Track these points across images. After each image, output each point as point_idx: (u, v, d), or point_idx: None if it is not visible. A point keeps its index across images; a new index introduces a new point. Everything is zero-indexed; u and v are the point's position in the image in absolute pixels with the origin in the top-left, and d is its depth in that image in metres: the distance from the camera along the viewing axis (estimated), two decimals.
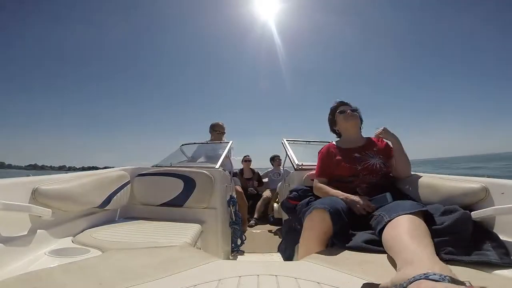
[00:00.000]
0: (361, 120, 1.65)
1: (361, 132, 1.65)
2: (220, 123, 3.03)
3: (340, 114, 1.62)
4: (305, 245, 1.12)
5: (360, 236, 1.03)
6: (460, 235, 0.93)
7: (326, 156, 1.57)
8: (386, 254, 0.92)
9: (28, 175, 1.27)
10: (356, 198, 1.25)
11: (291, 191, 1.61)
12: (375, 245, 0.98)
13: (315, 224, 1.08)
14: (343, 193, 1.32)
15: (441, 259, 0.86)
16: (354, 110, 1.61)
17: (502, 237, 0.95)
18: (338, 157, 1.51)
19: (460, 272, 0.78)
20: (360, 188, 1.40)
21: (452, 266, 0.82)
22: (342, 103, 1.67)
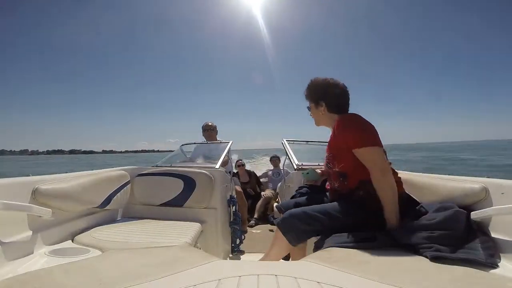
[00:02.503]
0: (317, 102, 1.32)
1: (336, 113, 1.30)
2: (210, 123, 3.07)
3: None
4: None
5: (359, 235, 1.03)
6: (450, 232, 0.94)
7: None
8: (386, 253, 0.92)
9: (28, 175, 1.27)
10: None
11: (300, 187, 1.59)
12: (375, 244, 0.98)
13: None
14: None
15: (427, 256, 0.87)
16: (308, 109, 1.40)
17: (500, 237, 0.95)
18: None
19: (458, 270, 0.78)
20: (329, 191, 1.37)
21: (448, 266, 0.82)
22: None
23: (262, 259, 1.20)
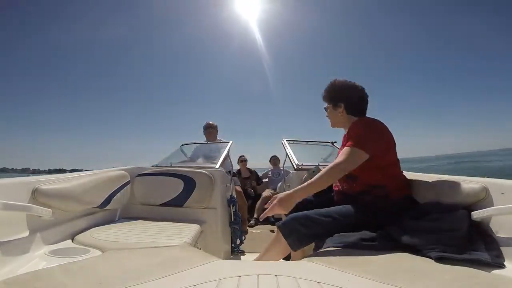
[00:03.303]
0: (336, 103, 1.32)
1: (353, 115, 1.31)
2: (211, 122, 3.08)
3: None
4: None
5: (359, 235, 1.03)
6: (455, 233, 0.94)
7: None
8: (387, 253, 0.92)
9: (28, 175, 1.27)
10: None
11: None
12: (375, 244, 0.98)
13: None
14: None
15: (432, 257, 0.86)
16: (325, 110, 1.39)
17: (501, 237, 0.95)
18: None
19: (458, 270, 0.78)
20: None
21: (448, 266, 0.82)
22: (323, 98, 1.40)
23: (257, 259, 1.19)
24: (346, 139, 1.23)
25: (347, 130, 1.28)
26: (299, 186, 1.12)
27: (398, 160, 1.26)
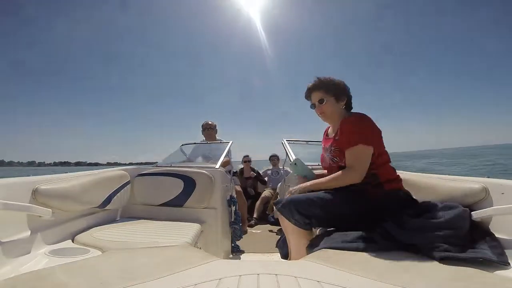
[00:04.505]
0: (339, 97, 1.32)
1: (346, 111, 1.35)
2: (210, 122, 3.05)
3: (312, 109, 1.39)
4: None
5: (359, 234, 1.03)
6: (457, 231, 0.94)
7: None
8: (387, 253, 0.92)
9: (28, 175, 1.28)
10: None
11: None
12: (375, 244, 0.98)
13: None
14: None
15: (435, 257, 0.86)
16: (321, 101, 1.31)
17: (501, 237, 0.95)
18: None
19: (459, 270, 0.78)
20: None
21: (449, 265, 0.82)
22: (308, 92, 1.37)
23: (291, 258, 1.23)
24: (342, 134, 1.24)
25: (339, 125, 1.28)
26: (314, 181, 1.26)
27: (386, 150, 1.28)
